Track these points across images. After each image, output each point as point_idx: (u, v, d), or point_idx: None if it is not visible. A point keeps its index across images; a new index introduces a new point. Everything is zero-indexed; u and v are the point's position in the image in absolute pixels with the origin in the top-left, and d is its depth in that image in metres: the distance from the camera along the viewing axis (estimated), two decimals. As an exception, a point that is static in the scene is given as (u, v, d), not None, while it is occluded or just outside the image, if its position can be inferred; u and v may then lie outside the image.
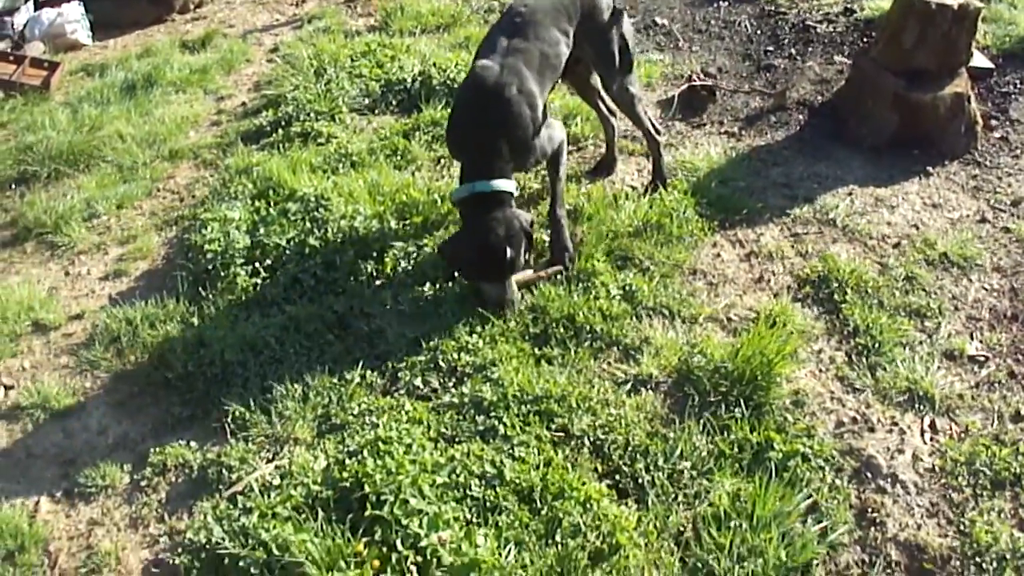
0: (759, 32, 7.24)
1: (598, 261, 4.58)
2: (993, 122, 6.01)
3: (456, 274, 4.53)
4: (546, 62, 4.51)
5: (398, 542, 3.23)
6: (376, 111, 6.30)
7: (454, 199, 4.47)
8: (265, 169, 5.43)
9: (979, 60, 6.34)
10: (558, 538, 3.29)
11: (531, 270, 4.58)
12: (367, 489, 3.40)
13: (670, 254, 4.69)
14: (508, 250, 4.24)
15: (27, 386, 4.34)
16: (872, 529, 3.49)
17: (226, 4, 9.02)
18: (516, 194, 4.43)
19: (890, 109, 5.62)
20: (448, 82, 6.24)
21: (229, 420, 4.00)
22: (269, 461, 3.77)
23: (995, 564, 3.34)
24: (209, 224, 4.94)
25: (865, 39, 6.85)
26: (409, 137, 5.77)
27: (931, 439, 3.85)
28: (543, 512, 3.39)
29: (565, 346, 4.16)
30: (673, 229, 4.81)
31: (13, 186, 5.99)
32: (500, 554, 3.23)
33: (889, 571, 3.36)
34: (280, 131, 6.06)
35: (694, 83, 6.25)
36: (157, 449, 3.93)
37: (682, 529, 3.42)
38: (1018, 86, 6.36)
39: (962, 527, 3.47)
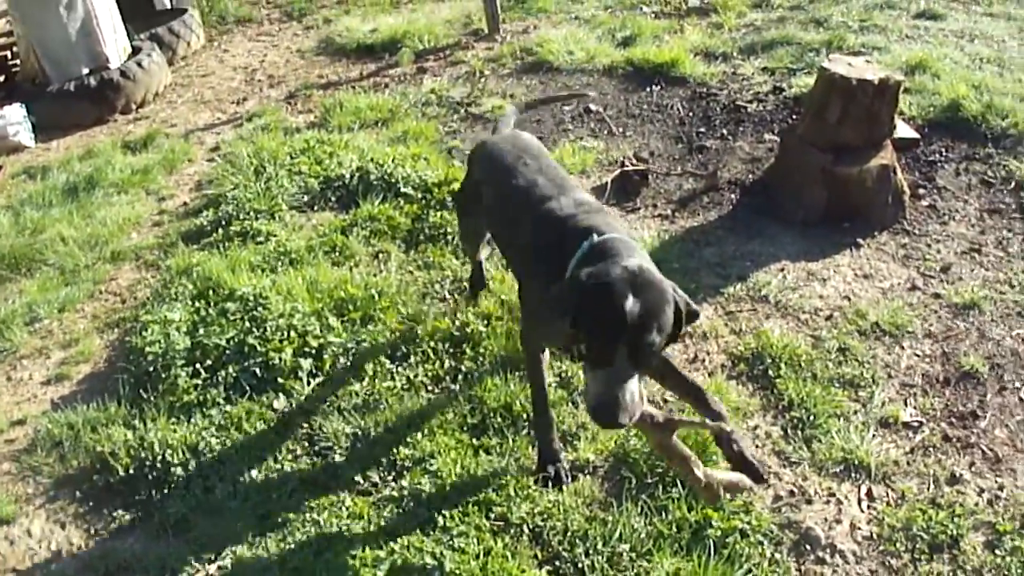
0: (691, 114, 7.42)
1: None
2: (921, 191, 6.17)
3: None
4: None
5: (339, 638, 3.26)
6: (315, 207, 6.34)
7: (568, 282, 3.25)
8: (205, 269, 5.44)
9: (904, 131, 6.52)
10: (499, 629, 3.32)
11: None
12: (309, 586, 3.43)
13: (605, 339, 4.74)
14: (634, 304, 2.98)
15: (-33, 494, 4.33)
16: (813, 601, 3.53)
17: (168, 104, 9.10)
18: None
19: (818, 184, 5.75)
20: (386, 176, 6.31)
21: (172, 522, 3.99)
22: (211, 562, 3.77)
23: (935, 628, 3.39)
24: (150, 326, 4.96)
25: (794, 116, 7.03)
26: (347, 233, 5.82)
27: (868, 507, 3.91)
28: (484, 602, 3.40)
29: (503, 435, 4.19)
30: (608, 314, 4.86)
31: (-46, 291, 5.98)
32: (442, 647, 3.26)
33: (829, 644, 3.41)
34: (220, 231, 6.08)
35: (627, 168, 6.37)
36: (99, 555, 3.90)
37: (623, 612, 3.44)
38: (944, 154, 6.55)
39: (901, 593, 3.52)
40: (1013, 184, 6.19)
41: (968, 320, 4.97)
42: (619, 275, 3.05)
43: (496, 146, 4.44)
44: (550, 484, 3.90)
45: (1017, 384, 4.55)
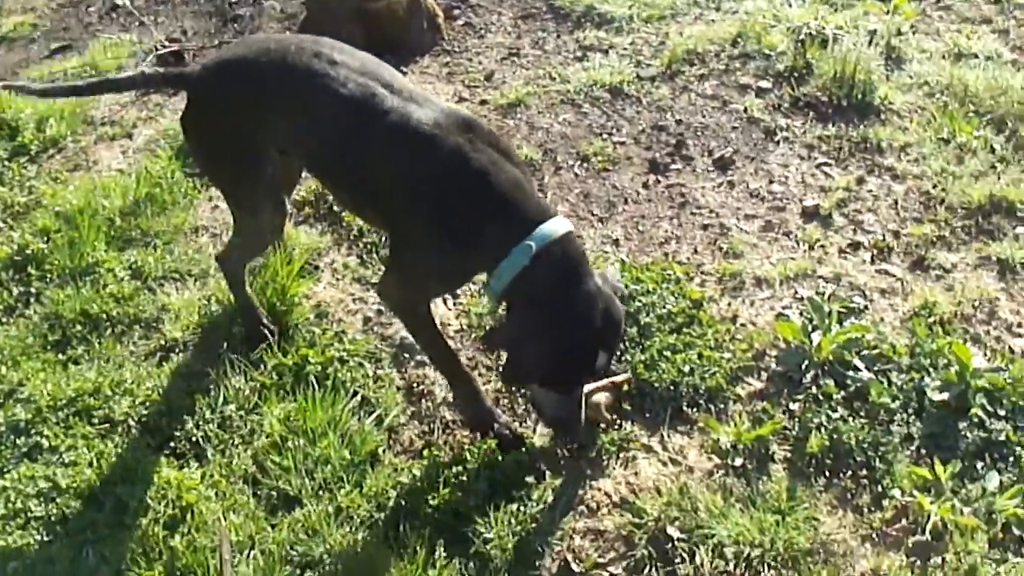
0: (222, -12, 7.35)
1: (100, 251, 4.56)
2: (456, 12, 6.48)
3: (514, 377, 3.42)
4: None
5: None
6: None
7: (501, 288, 3.16)
8: None
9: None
10: (129, 521, 3.36)
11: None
12: (-82, 556, 3.32)
13: (168, 221, 4.75)
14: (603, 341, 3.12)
15: None
16: (423, 401, 3.83)
17: None
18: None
19: (352, 23, 5.91)
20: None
21: None
22: None
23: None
24: None
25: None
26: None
27: (455, 304, 4.26)
28: (109, 503, 3.43)
29: (88, 342, 4.13)
30: (165, 197, 4.88)
31: None
32: (79, 560, 3.27)
33: (448, 431, 3.70)
34: None
35: (160, 52, 6.26)
36: None
37: (247, 468, 3.57)
38: (474, -25, 6.88)
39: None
40: (543, -12, 6.59)
41: (517, 117, 5.35)
42: (596, 323, 3.04)
43: (265, 52, 3.46)
44: (509, 447, 3.50)
45: (570, 162, 4.99)
